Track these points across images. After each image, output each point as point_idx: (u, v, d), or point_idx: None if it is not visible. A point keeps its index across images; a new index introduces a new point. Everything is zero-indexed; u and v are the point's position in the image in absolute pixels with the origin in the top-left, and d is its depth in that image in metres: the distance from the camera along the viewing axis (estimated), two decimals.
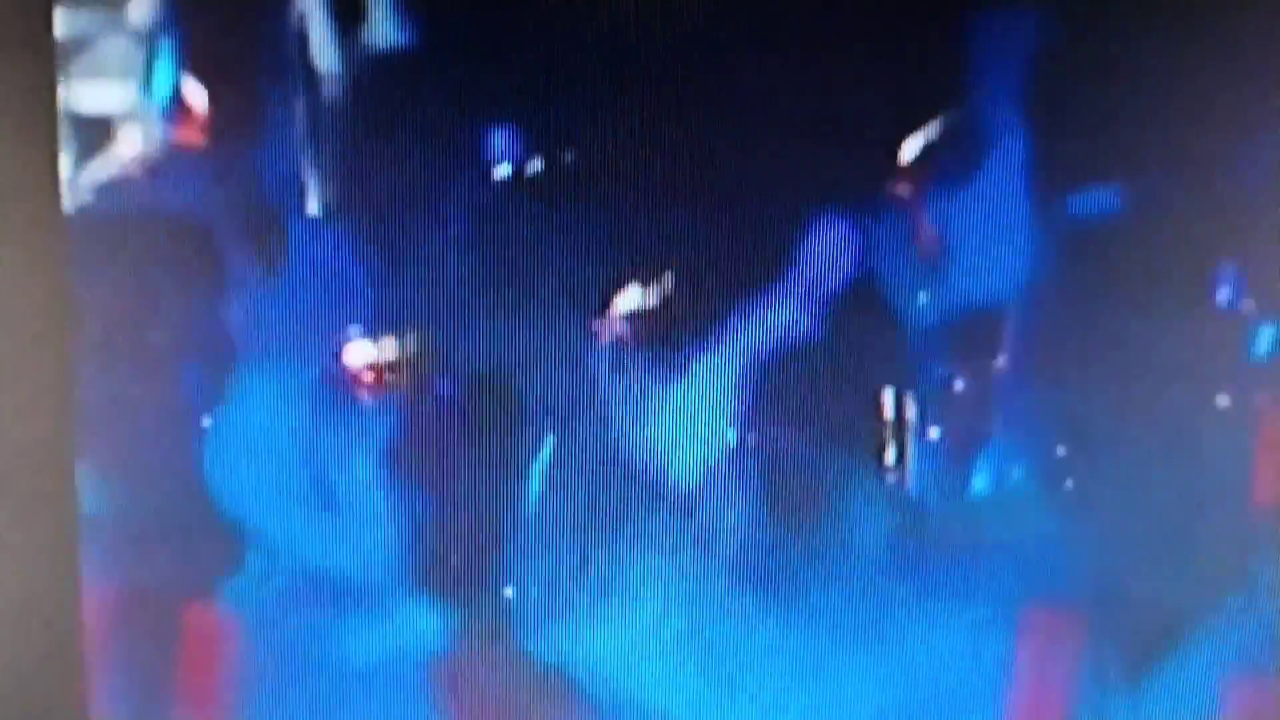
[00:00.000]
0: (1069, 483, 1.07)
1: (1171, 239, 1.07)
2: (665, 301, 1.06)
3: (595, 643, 1.08)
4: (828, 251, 1.06)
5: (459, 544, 1.06)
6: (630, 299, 1.06)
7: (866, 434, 1.07)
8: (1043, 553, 1.08)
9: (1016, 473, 1.07)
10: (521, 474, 1.06)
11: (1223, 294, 1.07)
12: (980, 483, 1.08)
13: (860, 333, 1.06)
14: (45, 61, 1.05)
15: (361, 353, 1.06)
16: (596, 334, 1.06)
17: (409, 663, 1.07)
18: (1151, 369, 1.07)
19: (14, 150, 1.06)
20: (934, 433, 1.07)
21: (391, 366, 1.06)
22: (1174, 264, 1.07)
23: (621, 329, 1.06)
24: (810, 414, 1.06)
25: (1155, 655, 1.09)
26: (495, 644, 1.07)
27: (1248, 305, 1.07)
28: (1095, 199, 1.06)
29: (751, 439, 1.06)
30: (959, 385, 1.07)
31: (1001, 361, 1.06)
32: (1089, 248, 1.06)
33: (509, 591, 1.06)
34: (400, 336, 1.06)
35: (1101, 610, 1.09)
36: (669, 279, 1.06)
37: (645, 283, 1.06)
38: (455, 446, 1.06)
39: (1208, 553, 1.08)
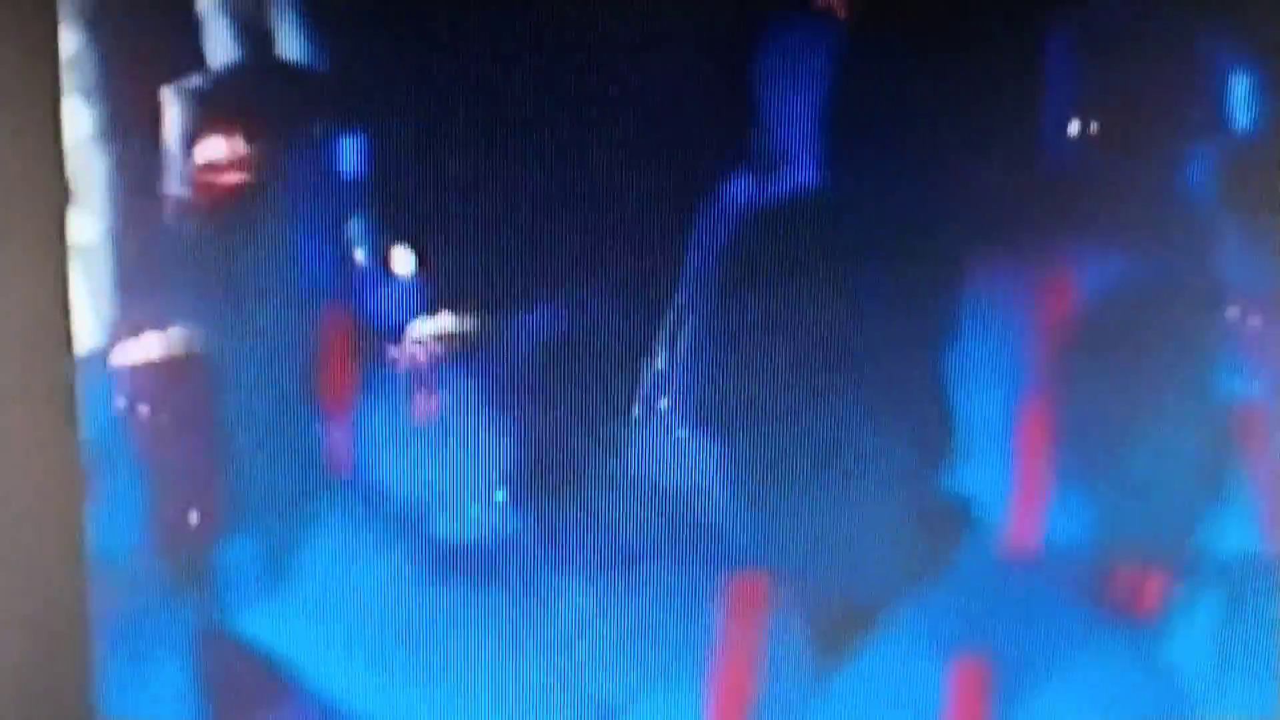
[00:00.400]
0: (770, 459, 1.09)
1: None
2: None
3: (310, 631, 1.09)
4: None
5: (185, 532, 1.08)
6: (432, 324, 1.09)
7: (607, 420, 1.09)
8: (747, 527, 1.10)
9: (715, 446, 1.10)
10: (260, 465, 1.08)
11: (941, 286, 1.10)
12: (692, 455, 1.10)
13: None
14: (50, 76, 1.07)
15: (146, 347, 1.08)
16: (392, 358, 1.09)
17: (168, 644, 1.09)
18: (851, 352, 1.09)
19: (16, 169, 1.07)
20: (663, 403, 1.09)
21: (168, 362, 1.08)
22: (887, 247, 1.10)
23: (415, 351, 1.09)
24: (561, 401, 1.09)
25: (864, 633, 1.10)
26: (214, 624, 1.08)
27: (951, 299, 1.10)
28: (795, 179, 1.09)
29: (508, 430, 1.09)
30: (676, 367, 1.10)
31: (688, 342, 1.09)
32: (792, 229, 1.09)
33: (226, 574, 1.08)
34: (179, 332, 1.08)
35: (810, 586, 1.10)
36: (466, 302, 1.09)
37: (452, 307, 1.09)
38: (213, 431, 1.08)
39: (912, 531, 1.10)
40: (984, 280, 1.10)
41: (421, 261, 1.07)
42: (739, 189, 1.09)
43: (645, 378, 1.09)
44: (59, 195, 1.07)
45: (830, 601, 1.10)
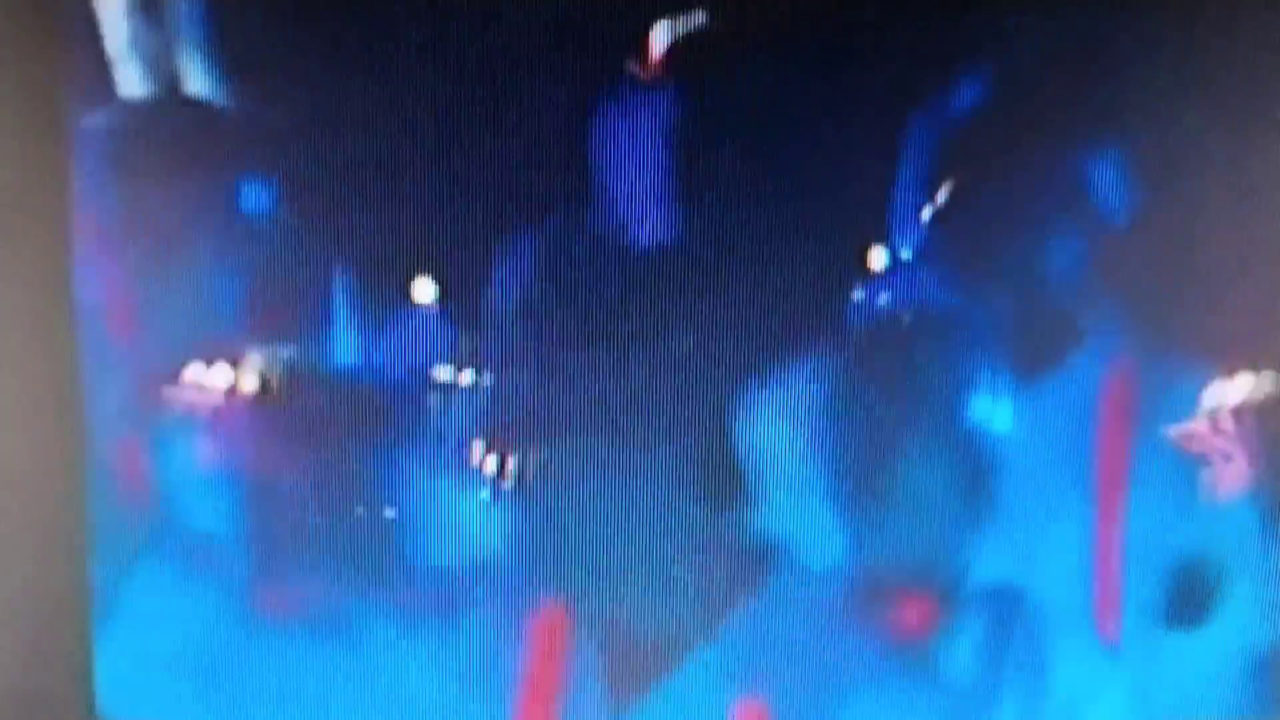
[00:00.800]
0: (572, 500, 1.11)
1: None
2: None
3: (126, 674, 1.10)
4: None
5: None
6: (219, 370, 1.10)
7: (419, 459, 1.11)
8: (550, 566, 1.11)
9: (515, 487, 1.11)
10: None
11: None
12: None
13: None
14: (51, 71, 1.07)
15: None
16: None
17: None
18: (652, 394, 1.12)
19: (19, 158, 1.07)
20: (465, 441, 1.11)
21: None
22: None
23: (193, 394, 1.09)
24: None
25: (659, 672, 1.13)
26: None
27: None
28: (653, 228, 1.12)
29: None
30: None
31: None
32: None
33: None
34: None
35: (610, 624, 1.12)
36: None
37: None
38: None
39: (711, 570, 1.13)
40: (787, 320, 1.13)
41: (444, 292, 1.10)
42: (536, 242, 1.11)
43: (452, 414, 1.10)
44: (62, 200, 1.07)
45: (629, 640, 1.12)
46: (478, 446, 1.11)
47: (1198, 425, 1.18)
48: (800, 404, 1.13)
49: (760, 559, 1.13)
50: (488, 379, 1.10)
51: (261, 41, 1.08)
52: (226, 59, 1.07)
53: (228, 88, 1.07)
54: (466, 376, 1.10)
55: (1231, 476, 1.19)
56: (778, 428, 1.13)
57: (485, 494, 1.11)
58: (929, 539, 1.15)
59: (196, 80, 1.07)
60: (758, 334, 1.13)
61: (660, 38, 1.10)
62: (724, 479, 1.13)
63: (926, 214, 1.14)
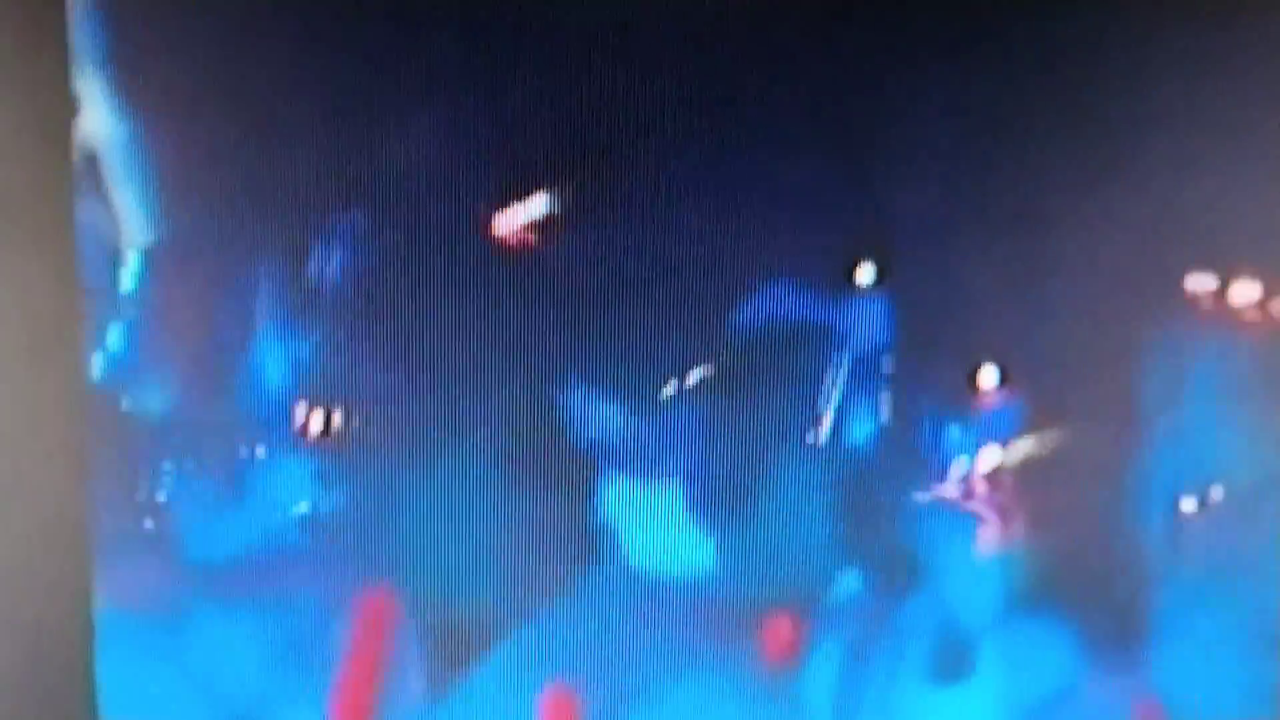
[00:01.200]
0: (402, 477, 1.13)
1: None
2: None
3: None
4: None
5: None
6: None
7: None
8: (377, 545, 1.13)
9: (347, 466, 1.13)
10: None
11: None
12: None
13: None
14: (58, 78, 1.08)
15: None
16: None
17: None
18: (485, 379, 1.12)
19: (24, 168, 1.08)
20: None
21: None
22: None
23: None
24: None
25: (477, 654, 1.15)
26: None
27: None
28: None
29: None
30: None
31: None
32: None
33: None
34: None
35: (434, 605, 1.14)
36: None
37: None
38: None
39: (540, 555, 1.14)
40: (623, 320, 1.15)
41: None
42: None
43: (280, 386, 1.12)
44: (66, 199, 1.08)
45: (452, 621, 1.13)
46: (303, 419, 1.12)
47: (975, 483, 1.17)
48: (640, 395, 1.15)
49: (589, 550, 1.15)
50: (319, 355, 1.12)
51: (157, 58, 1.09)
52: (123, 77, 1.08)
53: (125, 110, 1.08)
54: (297, 355, 1.12)
55: (1006, 534, 1.19)
56: (617, 421, 1.14)
57: (311, 471, 1.12)
58: (783, 546, 1.17)
59: (95, 103, 1.08)
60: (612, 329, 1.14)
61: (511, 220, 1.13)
62: (560, 467, 1.15)
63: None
